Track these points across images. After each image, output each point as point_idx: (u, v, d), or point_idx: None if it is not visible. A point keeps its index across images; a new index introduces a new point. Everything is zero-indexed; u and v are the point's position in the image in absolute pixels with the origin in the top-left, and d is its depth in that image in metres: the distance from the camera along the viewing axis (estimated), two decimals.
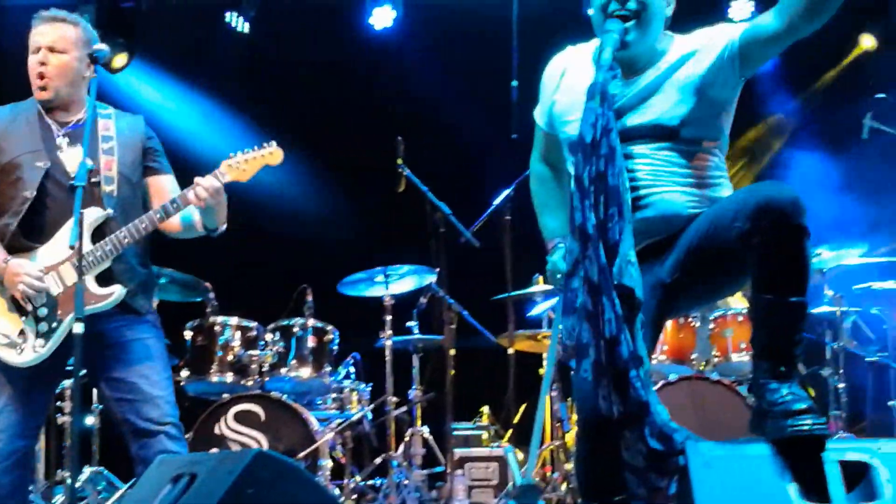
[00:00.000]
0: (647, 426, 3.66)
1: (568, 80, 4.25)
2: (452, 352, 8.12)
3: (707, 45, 4.04)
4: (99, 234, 4.95)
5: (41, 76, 5.04)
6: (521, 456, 8.22)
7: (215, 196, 4.97)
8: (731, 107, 4.15)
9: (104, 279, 4.93)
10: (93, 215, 4.94)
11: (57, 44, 5.05)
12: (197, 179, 4.97)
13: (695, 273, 3.93)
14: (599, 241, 3.69)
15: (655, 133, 4.02)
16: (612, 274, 3.68)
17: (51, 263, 4.92)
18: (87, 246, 4.88)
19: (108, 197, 4.99)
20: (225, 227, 5.15)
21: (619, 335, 3.66)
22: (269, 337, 7.82)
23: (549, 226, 4.45)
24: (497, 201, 7.86)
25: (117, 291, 4.90)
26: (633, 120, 3.99)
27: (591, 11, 4.19)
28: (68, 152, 5.02)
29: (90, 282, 4.88)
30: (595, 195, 3.72)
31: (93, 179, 4.95)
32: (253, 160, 5.13)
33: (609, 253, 3.69)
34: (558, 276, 4.25)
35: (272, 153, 5.19)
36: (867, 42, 10.34)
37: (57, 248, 4.92)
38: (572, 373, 4.00)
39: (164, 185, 5.22)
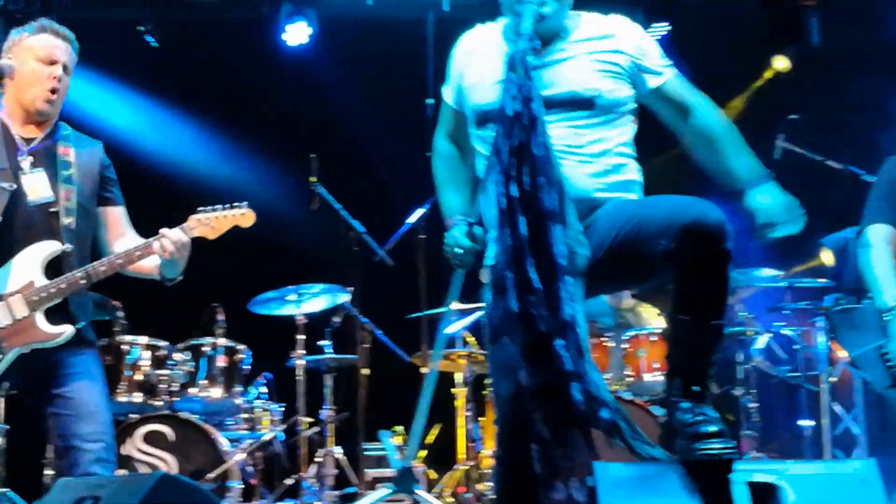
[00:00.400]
0: (575, 390, 3.57)
1: (477, 56, 4.25)
2: (366, 371, 8.11)
3: (634, 44, 4.14)
4: (54, 266, 4.84)
5: (54, 91, 4.93)
6: (434, 475, 8.21)
7: (181, 250, 4.89)
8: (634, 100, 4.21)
9: (54, 310, 4.81)
10: (49, 248, 4.84)
11: (69, 65, 5.00)
12: (163, 231, 4.88)
13: (611, 267, 3.91)
14: (518, 214, 3.62)
15: (572, 103, 4.02)
16: (553, 245, 3.61)
17: (2, 293, 4.80)
18: (42, 280, 4.79)
19: (66, 230, 4.89)
20: (182, 277, 5.09)
21: (531, 309, 3.59)
22: (178, 356, 7.73)
23: (450, 203, 4.40)
24: (412, 220, 7.84)
25: (67, 332, 4.80)
26: (547, 91, 3.95)
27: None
28: (30, 175, 4.89)
29: (39, 317, 4.78)
30: (518, 167, 3.66)
31: (51, 210, 4.87)
32: (224, 219, 5.05)
33: (543, 221, 3.62)
34: (457, 250, 4.17)
35: (244, 215, 5.11)
36: (780, 63, 10.48)
37: (10, 277, 4.78)
38: (490, 360, 3.98)
39: (117, 218, 5.15)
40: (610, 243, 3.88)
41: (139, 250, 4.88)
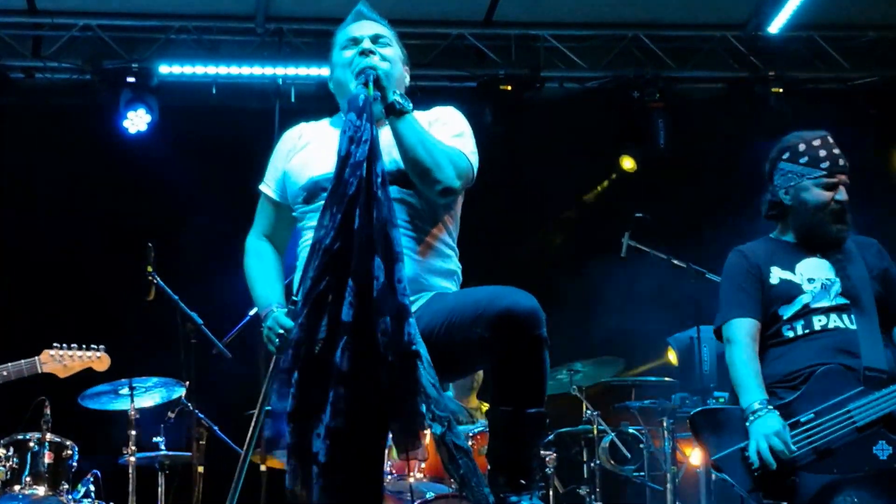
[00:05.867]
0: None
1: (308, 140, 4.23)
2: (201, 469, 7.83)
3: (453, 129, 4.14)
4: None
5: None
6: None
7: None
8: None
9: None
10: None
11: None
12: None
13: (435, 358, 3.78)
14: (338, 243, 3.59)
15: (399, 179, 3.97)
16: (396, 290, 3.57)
17: None
18: None
19: None
20: None
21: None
22: (2, 452, 7.39)
23: (265, 294, 4.28)
24: (252, 312, 7.65)
25: None
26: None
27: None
28: None
29: None
30: (347, 203, 3.61)
31: None
32: (78, 360, 4.97)
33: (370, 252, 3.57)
34: (280, 331, 4.03)
35: (100, 359, 5.05)
36: (627, 164, 10.72)
37: None
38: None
39: None
40: (432, 335, 3.81)
41: None
